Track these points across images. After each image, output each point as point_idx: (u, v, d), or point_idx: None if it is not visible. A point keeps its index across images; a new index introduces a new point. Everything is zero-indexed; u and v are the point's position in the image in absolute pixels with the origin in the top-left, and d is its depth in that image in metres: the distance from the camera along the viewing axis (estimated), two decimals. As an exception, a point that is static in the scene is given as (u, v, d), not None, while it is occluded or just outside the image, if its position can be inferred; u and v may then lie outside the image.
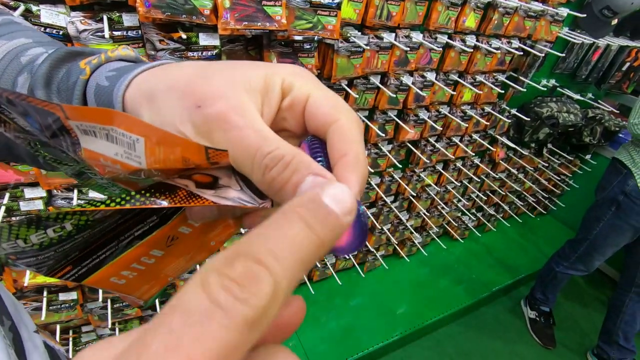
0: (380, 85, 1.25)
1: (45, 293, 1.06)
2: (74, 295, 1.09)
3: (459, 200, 1.96)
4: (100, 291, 1.11)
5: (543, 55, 1.51)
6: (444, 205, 1.92)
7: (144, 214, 0.20)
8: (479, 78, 1.51)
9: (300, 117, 0.21)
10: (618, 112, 2.12)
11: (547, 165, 2.21)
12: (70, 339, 1.17)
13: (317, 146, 0.21)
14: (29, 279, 0.99)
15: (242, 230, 1.23)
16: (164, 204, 0.18)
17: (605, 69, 1.92)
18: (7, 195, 0.89)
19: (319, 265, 1.64)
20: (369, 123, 1.33)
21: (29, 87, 0.25)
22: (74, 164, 0.25)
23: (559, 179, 2.35)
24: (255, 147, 0.18)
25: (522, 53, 1.47)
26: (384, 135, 1.37)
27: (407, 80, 1.32)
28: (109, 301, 1.14)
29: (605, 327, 1.75)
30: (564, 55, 1.59)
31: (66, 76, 0.24)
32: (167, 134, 0.17)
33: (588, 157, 2.29)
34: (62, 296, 1.08)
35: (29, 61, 0.25)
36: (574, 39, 1.56)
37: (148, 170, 0.19)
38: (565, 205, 2.53)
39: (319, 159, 0.20)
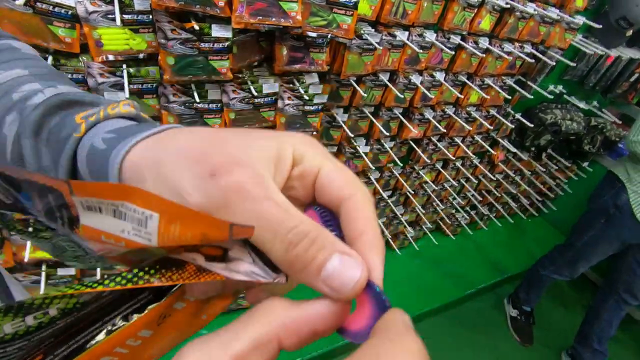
0: (389, 84, 1.24)
1: (44, 267, 1.07)
2: (72, 271, 1.11)
3: (454, 198, 1.99)
4: (99, 269, 1.13)
5: (553, 64, 1.50)
6: (439, 202, 1.94)
7: (136, 291, 0.18)
8: (487, 81, 1.50)
9: (309, 187, 0.21)
10: (620, 122, 2.12)
11: (544, 170, 2.23)
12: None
13: (328, 217, 0.20)
14: (29, 253, 1.00)
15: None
16: (172, 281, 0.16)
17: (614, 79, 1.91)
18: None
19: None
20: (373, 120, 1.33)
21: (16, 132, 0.23)
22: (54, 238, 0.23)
23: (554, 183, 2.38)
24: (278, 221, 0.17)
25: (533, 60, 1.46)
26: (387, 133, 1.37)
27: (415, 79, 1.31)
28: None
29: (581, 330, 1.83)
30: (575, 65, 1.58)
31: (58, 128, 0.22)
32: (188, 210, 0.16)
33: (585, 164, 2.31)
34: (61, 271, 1.10)
35: (20, 98, 0.24)
36: (587, 48, 1.54)
37: (156, 248, 0.17)
38: (557, 209, 2.57)
39: (334, 232, 0.20)
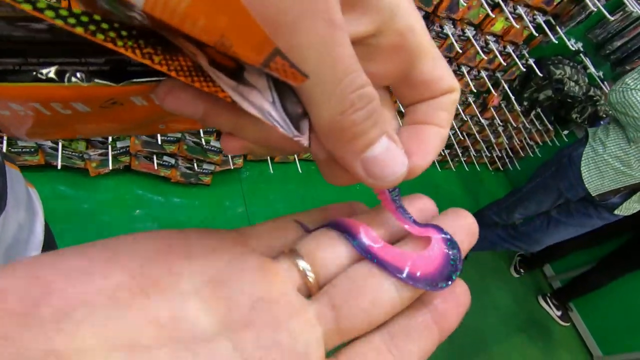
0: (424, -27, 1.06)
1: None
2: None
3: (437, 132, 1.95)
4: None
5: (593, 10, 1.37)
6: (421, 132, 1.91)
7: (87, 48, 0.12)
8: (520, 10, 1.36)
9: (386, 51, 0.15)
10: (615, 99, 2.12)
11: (527, 128, 2.24)
12: (5, 139, 1.06)
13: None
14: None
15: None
16: (149, 61, 0.10)
17: (630, 53, 1.84)
18: None
19: (285, 149, 1.60)
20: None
21: None
22: None
23: (529, 143, 2.42)
24: (348, 69, 0.12)
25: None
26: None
27: (452, -21, 1.14)
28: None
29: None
30: (612, 18, 1.46)
31: None
32: None
33: (565, 133, 2.34)
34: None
35: None
36: (630, 4, 1.42)
37: (138, 11, 0.10)
38: (521, 169, 2.68)
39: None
